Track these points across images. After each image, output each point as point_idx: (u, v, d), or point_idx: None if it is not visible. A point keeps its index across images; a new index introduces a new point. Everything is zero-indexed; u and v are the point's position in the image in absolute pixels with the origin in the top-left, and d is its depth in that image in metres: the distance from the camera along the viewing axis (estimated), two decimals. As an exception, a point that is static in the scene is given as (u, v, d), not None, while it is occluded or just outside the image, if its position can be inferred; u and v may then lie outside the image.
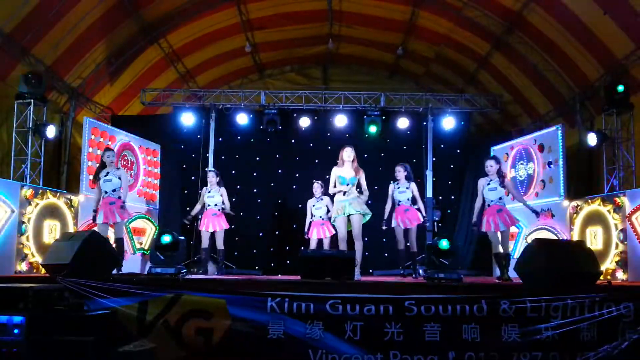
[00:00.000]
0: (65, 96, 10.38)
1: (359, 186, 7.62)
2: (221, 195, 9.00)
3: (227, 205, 9.06)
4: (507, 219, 7.37)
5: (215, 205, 8.95)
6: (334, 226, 8.77)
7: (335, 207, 7.58)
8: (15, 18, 8.24)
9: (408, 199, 8.26)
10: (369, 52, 12.57)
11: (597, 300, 4.83)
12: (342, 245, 7.48)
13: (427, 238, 10.00)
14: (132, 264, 9.50)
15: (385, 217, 8.28)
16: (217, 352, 4.83)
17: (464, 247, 10.91)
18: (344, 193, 7.43)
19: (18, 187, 7.82)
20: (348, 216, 7.45)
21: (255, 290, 5.03)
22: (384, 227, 8.30)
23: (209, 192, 9.05)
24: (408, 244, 8.44)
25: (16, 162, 9.09)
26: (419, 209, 8.32)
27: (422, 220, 8.34)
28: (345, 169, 7.54)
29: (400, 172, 8.35)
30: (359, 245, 7.39)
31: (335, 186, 7.58)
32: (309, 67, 13.36)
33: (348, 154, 7.55)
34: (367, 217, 7.57)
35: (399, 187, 8.29)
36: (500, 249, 7.42)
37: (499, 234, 7.44)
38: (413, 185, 8.38)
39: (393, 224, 8.30)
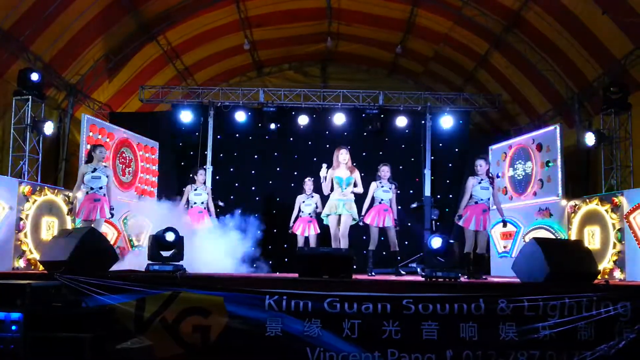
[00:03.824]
0: (63, 93, 10.37)
1: (355, 184, 7.72)
2: (207, 194, 9.06)
3: (212, 206, 9.12)
4: (488, 221, 7.47)
5: (202, 203, 9.00)
6: (319, 223, 8.80)
7: (329, 204, 7.67)
8: (14, 14, 8.23)
9: (390, 200, 8.23)
10: (368, 51, 12.57)
11: (595, 300, 4.83)
12: (335, 244, 7.61)
13: (424, 237, 10.00)
14: (129, 260, 9.48)
15: (364, 213, 8.19)
16: (215, 349, 4.83)
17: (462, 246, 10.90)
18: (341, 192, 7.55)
19: (16, 183, 7.80)
20: (339, 215, 7.55)
21: (253, 288, 5.02)
22: (361, 224, 8.20)
23: (196, 189, 9.04)
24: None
25: (14, 158, 9.07)
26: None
27: (397, 223, 8.25)
28: (342, 170, 7.64)
29: (387, 171, 8.32)
30: (344, 244, 7.46)
31: (331, 188, 7.67)
32: (308, 65, 13.35)
33: (344, 156, 7.67)
34: (354, 222, 7.70)
35: (382, 187, 8.24)
36: (473, 249, 7.46)
37: (480, 233, 7.47)
38: (394, 187, 8.36)
39: (368, 221, 8.22)
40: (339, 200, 7.59)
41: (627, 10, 7.89)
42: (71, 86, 10.35)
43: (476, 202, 7.46)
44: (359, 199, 8.00)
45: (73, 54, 9.83)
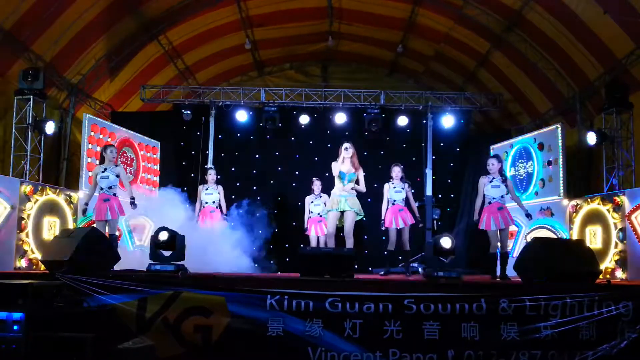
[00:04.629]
0: (64, 92, 10.38)
1: (357, 182, 7.69)
2: (219, 193, 9.05)
3: (224, 205, 9.10)
4: (507, 218, 7.37)
5: (213, 202, 9.00)
6: None
7: (331, 200, 7.66)
8: (15, 14, 8.24)
9: (402, 199, 8.23)
10: (369, 50, 12.56)
11: (596, 299, 4.83)
12: (330, 242, 7.58)
13: (426, 236, 10.00)
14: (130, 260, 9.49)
15: (383, 216, 8.23)
16: (216, 349, 4.83)
17: (463, 246, 10.90)
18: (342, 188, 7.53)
19: (17, 183, 7.81)
20: (341, 212, 7.52)
21: (255, 287, 5.03)
22: (383, 228, 8.24)
23: (207, 189, 9.06)
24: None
25: (15, 158, 9.08)
26: (412, 210, 8.27)
27: (415, 221, 8.27)
28: (345, 165, 7.63)
29: (398, 171, 8.34)
30: (350, 243, 7.42)
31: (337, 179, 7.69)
32: (309, 65, 13.35)
33: (348, 151, 7.63)
34: (359, 217, 7.65)
35: (394, 187, 8.26)
36: (499, 248, 7.41)
37: (498, 232, 7.44)
38: (407, 186, 8.35)
39: (386, 224, 8.23)
40: (341, 196, 7.54)
41: (628, 10, 7.88)
42: (72, 86, 10.36)
43: (490, 202, 7.43)
44: (366, 200, 7.98)
45: (74, 53, 9.84)
